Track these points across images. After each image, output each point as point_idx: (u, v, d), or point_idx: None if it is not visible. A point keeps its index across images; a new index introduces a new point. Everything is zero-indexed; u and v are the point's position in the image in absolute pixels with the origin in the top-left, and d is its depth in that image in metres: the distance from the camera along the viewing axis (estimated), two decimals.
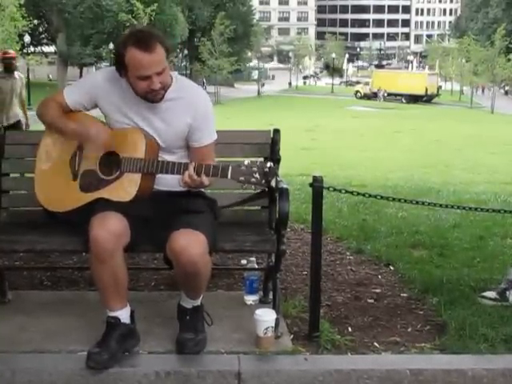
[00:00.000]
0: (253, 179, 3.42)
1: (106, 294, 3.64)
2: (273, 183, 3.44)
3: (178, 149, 3.81)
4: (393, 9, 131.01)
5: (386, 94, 68.99)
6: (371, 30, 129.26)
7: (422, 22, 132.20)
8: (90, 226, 3.52)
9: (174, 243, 3.52)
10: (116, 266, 3.55)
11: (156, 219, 3.71)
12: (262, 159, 4.09)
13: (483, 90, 72.51)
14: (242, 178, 3.44)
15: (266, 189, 3.71)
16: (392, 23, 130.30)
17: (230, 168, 3.46)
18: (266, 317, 3.75)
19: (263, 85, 76.75)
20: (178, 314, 3.85)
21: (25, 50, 46.65)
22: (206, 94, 3.95)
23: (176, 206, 3.74)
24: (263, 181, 3.42)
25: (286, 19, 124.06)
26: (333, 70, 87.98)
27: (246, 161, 3.46)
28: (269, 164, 3.44)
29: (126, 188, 3.65)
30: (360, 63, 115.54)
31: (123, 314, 3.67)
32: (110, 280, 3.57)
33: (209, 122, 3.81)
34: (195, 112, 3.74)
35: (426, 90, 69.35)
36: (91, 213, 3.58)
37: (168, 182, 3.75)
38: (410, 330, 4.14)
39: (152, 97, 3.64)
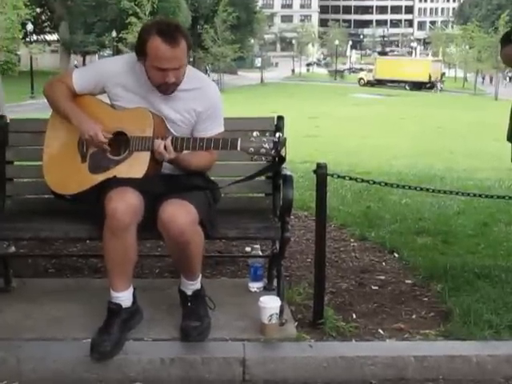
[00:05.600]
0: (262, 149, 3.42)
1: (113, 271, 3.63)
2: (282, 152, 3.46)
3: None
4: None
5: (442, 85, 67.98)
6: (374, 17, 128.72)
7: (425, 9, 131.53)
8: (108, 199, 3.51)
9: (161, 214, 3.53)
10: (128, 242, 3.55)
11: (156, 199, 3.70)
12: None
13: (491, 80, 71.79)
14: (251, 149, 3.43)
15: (276, 159, 3.69)
16: (395, 10, 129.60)
17: (240, 139, 3.47)
18: (271, 304, 3.75)
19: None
20: (180, 299, 3.86)
21: (27, 39, 46.62)
22: (216, 86, 3.98)
23: (174, 184, 3.74)
24: (273, 150, 3.41)
25: (289, 6, 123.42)
26: (336, 57, 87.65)
27: (255, 132, 3.46)
28: (278, 134, 3.48)
29: (135, 166, 3.65)
30: (363, 52, 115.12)
31: (125, 296, 3.66)
32: (120, 256, 3.56)
33: (216, 115, 3.83)
34: (205, 103, 3.77)
35: (430, 76, 69.13)
36: (101, 195, 3.58)
37: (169, 165, 3.76)
38: (414, 316, 4.14)
39: (164, 89, 3.66)
